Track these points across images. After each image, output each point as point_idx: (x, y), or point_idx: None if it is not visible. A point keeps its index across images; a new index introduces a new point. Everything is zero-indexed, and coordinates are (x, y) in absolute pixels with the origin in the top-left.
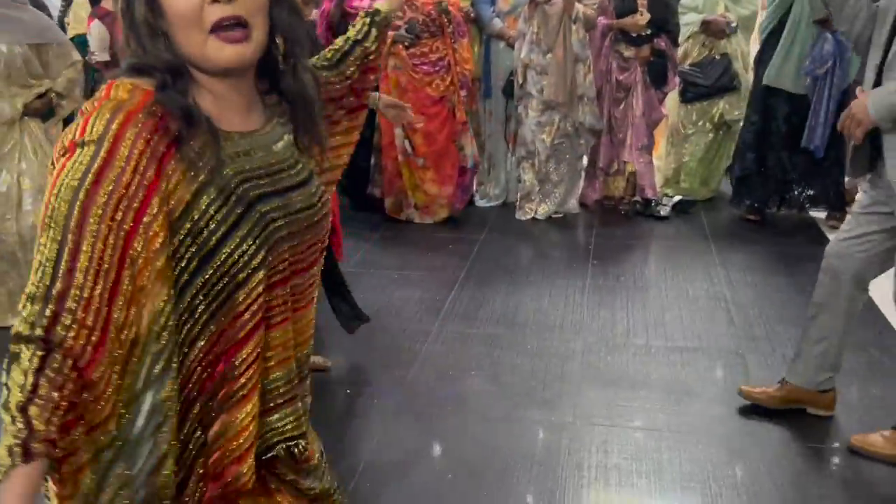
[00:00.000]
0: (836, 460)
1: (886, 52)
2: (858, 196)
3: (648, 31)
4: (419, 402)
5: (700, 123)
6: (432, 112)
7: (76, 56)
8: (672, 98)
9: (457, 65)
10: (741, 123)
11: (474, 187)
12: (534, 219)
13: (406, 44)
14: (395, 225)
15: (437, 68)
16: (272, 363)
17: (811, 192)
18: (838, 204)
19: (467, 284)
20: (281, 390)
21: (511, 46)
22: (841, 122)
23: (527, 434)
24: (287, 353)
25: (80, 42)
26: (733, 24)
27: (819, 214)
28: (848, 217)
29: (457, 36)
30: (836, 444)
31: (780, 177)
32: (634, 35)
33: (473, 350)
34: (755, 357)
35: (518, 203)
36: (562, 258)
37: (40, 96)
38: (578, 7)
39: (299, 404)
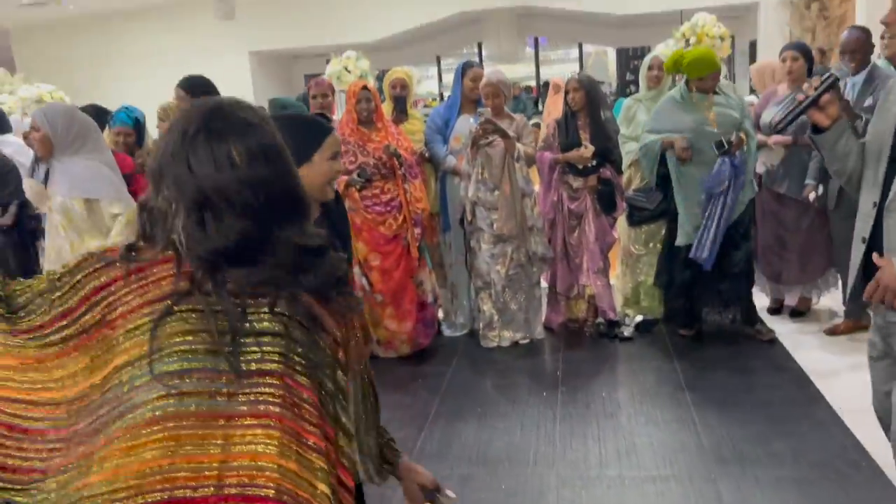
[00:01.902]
0: None
1: (885, 190)
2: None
3: (594, 163)
4: None
5: (650, 245)
6: (387, 250)
7: (117, 208)
8: (620, 221)
9: (409, 204)
10: None
11: (440, 317)
12: (499, 346)
13: (358, 187)
14: None
15: (389, 208)
16: None
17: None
18: (750, 317)
19: (438, 421)
20: None
21: None
22: (869, 293)
23: None
24: None
25: None
26: None
27: (780, 325)
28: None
29: (409, 177)
30: None
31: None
32: (581, 167)
33: None
34: (726, 482)
35: (481, 332)
36: (531, 386)
37: None
38: (519, 147)
39: None
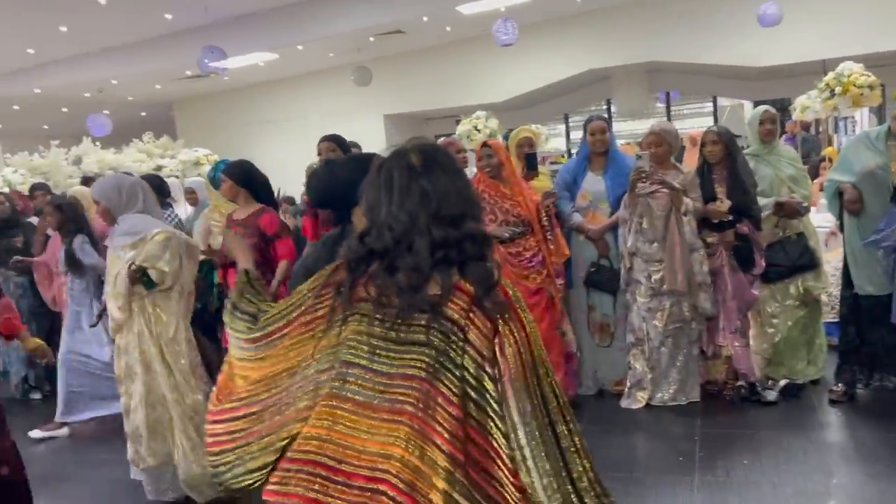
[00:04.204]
0: None
1: None
2: None
3: (730, 217)
4: None
5: (786, 302)
6: (532, 302)
7: (159, 236)
8: None
9: (551, 256)
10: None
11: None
12: (637, 408)
13: (504, 240)
14: None
15: (532, 263)
16: None
17: None
18: None
19: None
20: None
21: (590, 240)
22: None
23: None
24: None
25: None
26: (805, 204)
27: None
28: None
29: (551, 228)
30: None
31: (879, 353)
32: (716, 221)
33: None
34: None
35: (627, 391)
36: (667, 451)
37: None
38: (687, 201)
39: None
